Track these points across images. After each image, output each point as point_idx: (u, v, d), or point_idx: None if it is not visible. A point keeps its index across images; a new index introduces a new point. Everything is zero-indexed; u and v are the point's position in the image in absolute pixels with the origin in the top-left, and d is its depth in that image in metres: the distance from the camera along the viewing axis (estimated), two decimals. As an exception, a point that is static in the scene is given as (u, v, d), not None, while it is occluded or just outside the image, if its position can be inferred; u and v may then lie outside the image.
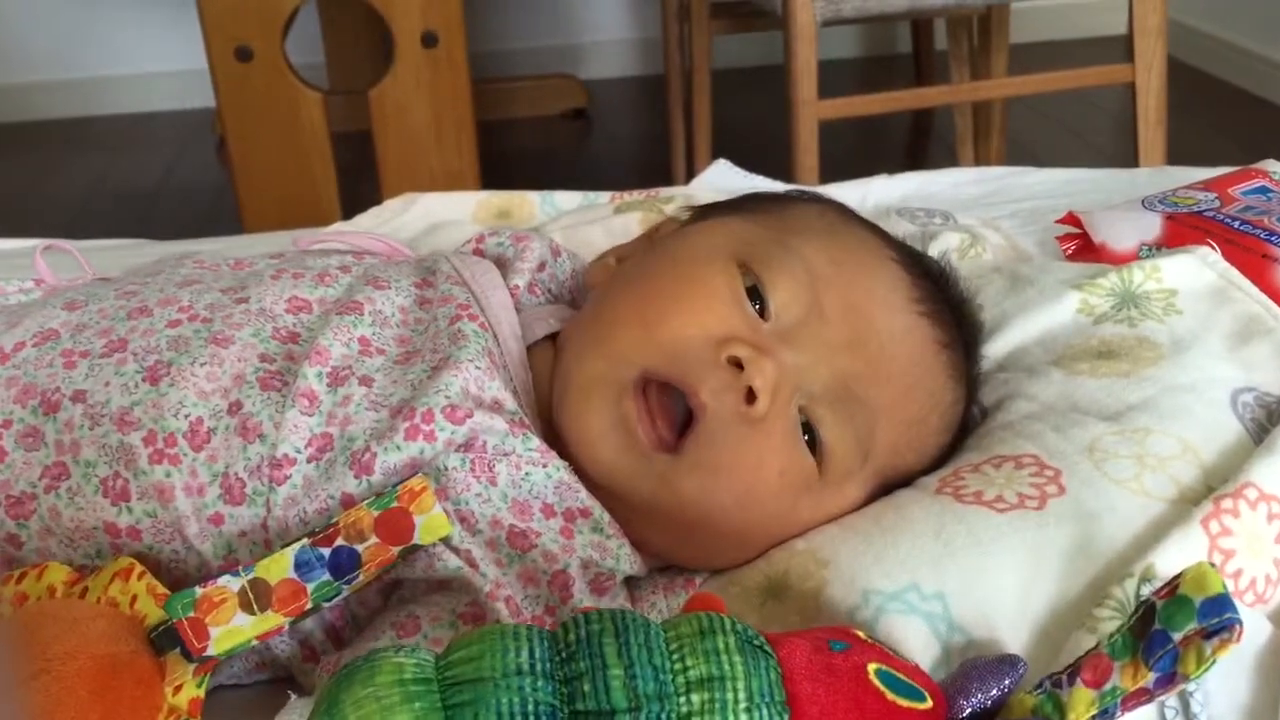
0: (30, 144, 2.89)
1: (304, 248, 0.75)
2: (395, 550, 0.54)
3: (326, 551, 0.54)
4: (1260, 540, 0.57)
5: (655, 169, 2.43)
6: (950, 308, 0.68)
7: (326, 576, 0.53)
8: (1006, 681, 0.49)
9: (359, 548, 0.53)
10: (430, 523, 0.54)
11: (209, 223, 2.18)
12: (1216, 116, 2.64)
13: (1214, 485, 0.60)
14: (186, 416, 0.59)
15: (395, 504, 0.54)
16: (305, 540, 0.54)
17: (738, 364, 0.59)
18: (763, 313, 0.63)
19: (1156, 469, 0.61)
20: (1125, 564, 0.56)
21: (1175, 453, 0.62)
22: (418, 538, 0.54)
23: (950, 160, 2.35)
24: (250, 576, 0.53)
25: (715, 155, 1.27)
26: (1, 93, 2.96)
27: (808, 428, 0.61)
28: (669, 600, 0.61)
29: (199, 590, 0.53)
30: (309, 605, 0.53)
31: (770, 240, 0.66)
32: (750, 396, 0.59)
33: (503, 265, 0.72)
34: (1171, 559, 0.55)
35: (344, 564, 0.53)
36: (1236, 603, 0.47)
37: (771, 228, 0.68)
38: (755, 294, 0.63)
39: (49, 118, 3.00)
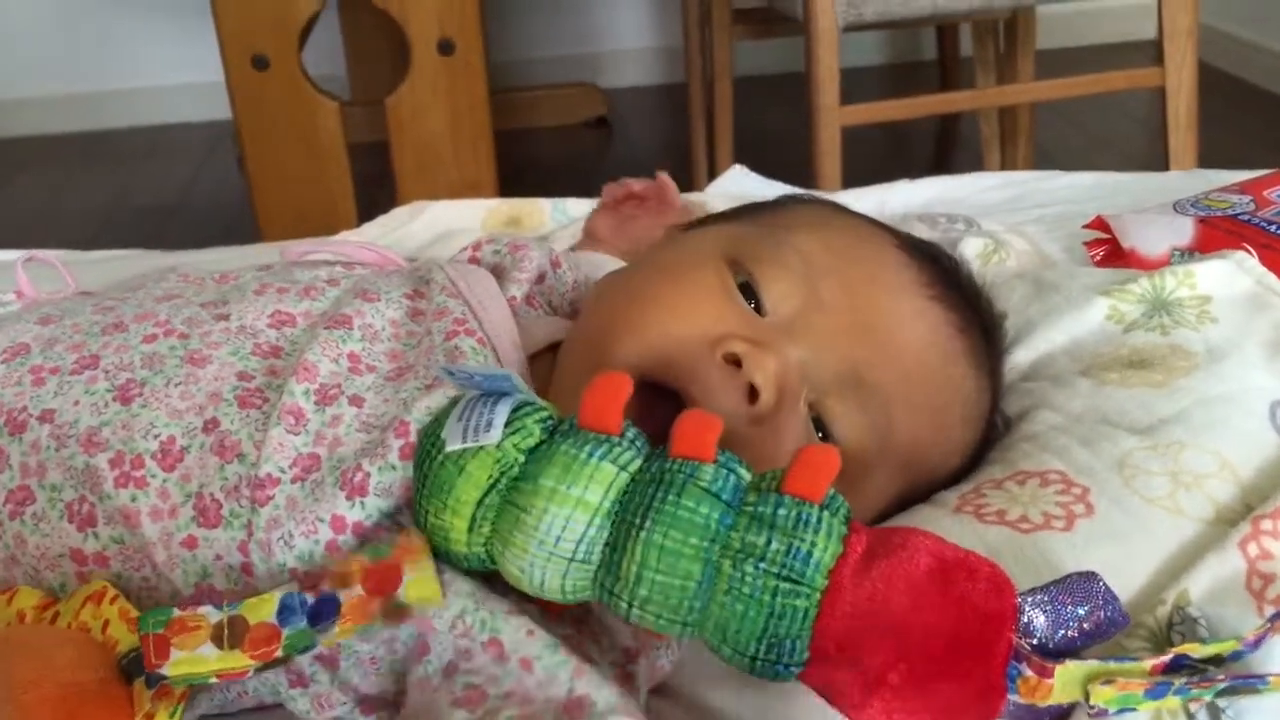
0: (50, 158, 2.89)
1: (292, 259, 0.73)
2: (377, 603, 0.50)
3: (311, 598, 0.51)
4: (1304, 564, 0.53)
5: (677, 177, 2.37)
6: (961, 293, 0.65)
7: (304, 624, 0.50)
8: (1087, 609, 0.46)
9: (341, 595, 0.50)
10: (419, 581, 0.50)
11: (230, 235, 2.17)
12: (1253, 124, 2.59)
13: (1253, 504, 0.56)
14: (157, 437, 0.56)
15: (389, 556, 0.51)
16: (295, 585, 0.51)
17: (736, 361, 0.56)
18: (759, 309, 0.60)
19: (1191, 487, 0.58)
20: (1157, 590, 0.52)
21: (1211, 469, 0.59)
22: (402, 594, 0.50)
23: (977, 168, 2.31)
24: (233, 612, 0.51)
25: (737, 163, 1.25)
26: (21, 106, 2.97)
27: (819, 423, 0.58)
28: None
29: (176, 611, 0.51)
30: (279, 653, 0.50)
31: (761, 236, 0.63)
32: (753, 394, 0.56)
33: (499, 274, 0.69)
34: (1206, 584, 0.51)
35: (324, 611, 0.50)
36: None
37: (763, 226, 0.65)
38: (750, 292, 0.60)
39: (69, 131, 3.00)
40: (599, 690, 0.48)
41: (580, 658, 0.50)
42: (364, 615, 0.50)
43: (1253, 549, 0.53)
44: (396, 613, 0.50)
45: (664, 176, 0.89)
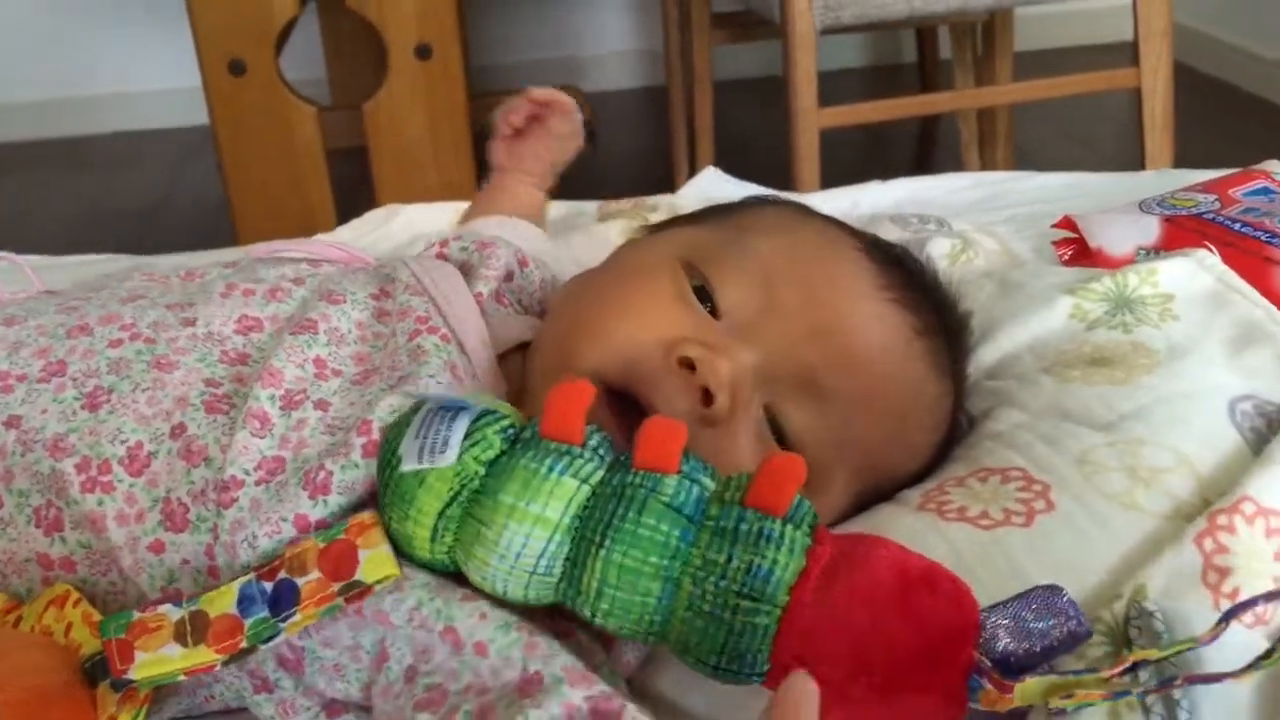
0: (31, 163, 2.88)
1: (258, 256, 0.73)
2: (336, 587, 0.50)
3: (269, 586, 0.51)
4: (1258, 558, 0.53)
5: (658, 181, 2.40)
6: (925, 295, 0.65)
7: (265, 613, 0.50)
8: (1051, 623, 0.46)
9: (299, 581, 0.50)
10: (375, 558, 0.50)
11: (211, 240, 2.16)
12: (1233, 125, 2.60)
13: (1211, 499, 0.57)
14: (124, 442, 0.56)
15: (342, 536, 0.51)
16: (252, 574, 0.51)
17: (690, 365, 0.57)
18: (715, 312, 0.60)
19: (1150, 482, 0.58)
20: (1115, 585, 0.53)
21: (1170, 465, 0.59)
22: (360, 574, 0.50)
23: (956, 170, 2.30)
24: (193, 608, 0.51)
25: (718, 167, 1.25)
26: (2, 112, 2.95)
27: (776, 425, 0.59)
28: None
29: (136, 614, 0.51)
30: (244, 644, 0.50)
31: (719, 240, 0.64)
32: (707, 398, 0.56)
33: (467, 271, 0.69)
34: (1163, 579, 0.52)
35: (283, 598, 0.50)
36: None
37: (723, 229, 0.66)
38: (706, 296, 0.61)
39: (50, 136, 2.99)
40: (549, 664, 0.48)
41: (533, 630, 0.50)
42: (324, 598, 0.50)
43: (1209, 543, 0.53)
44: (356, 593, 0.50)
45: (532, 89, 0.91)
